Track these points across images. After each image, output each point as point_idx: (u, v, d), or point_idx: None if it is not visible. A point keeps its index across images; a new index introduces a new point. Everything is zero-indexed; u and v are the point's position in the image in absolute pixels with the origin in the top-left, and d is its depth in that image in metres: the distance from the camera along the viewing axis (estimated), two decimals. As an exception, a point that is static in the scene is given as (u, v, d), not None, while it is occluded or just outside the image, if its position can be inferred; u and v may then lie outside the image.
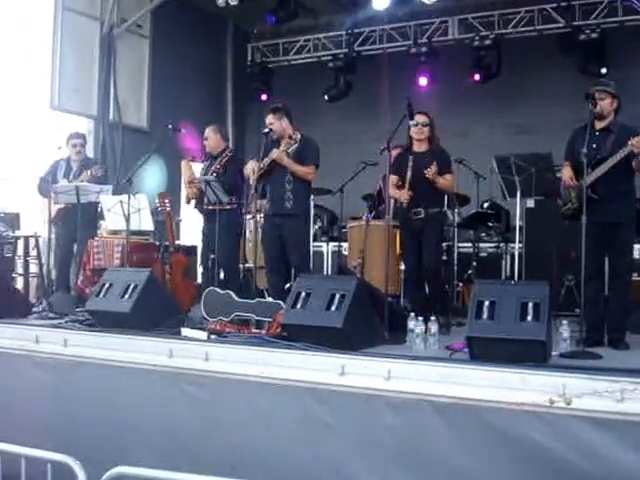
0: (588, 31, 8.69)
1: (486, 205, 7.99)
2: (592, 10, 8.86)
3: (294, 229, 5.64)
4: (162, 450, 4.24)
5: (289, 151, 5.62)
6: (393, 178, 5.56)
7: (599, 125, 4.79)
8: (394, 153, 6.35)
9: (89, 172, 6.38)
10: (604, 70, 8.51)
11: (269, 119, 5.68)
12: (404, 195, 5.41)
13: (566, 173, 4.92)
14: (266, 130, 5.64)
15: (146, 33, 9.39)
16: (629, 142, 4.48)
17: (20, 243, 7.45)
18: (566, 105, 8.36)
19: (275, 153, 5.54)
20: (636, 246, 6.29)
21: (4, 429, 4.23)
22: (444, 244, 6.38)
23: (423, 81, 9.66)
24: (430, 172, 5.35)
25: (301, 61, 10.99)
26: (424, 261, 5.42)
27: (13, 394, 4.85)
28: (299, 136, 5.68)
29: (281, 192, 5.62)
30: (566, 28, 8.97)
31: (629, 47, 8.66)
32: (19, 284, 7.38)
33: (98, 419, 4.52)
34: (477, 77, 9.34)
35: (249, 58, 11.40)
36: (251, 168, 5.61)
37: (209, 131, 6.39)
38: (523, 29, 9.34)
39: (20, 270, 7.50)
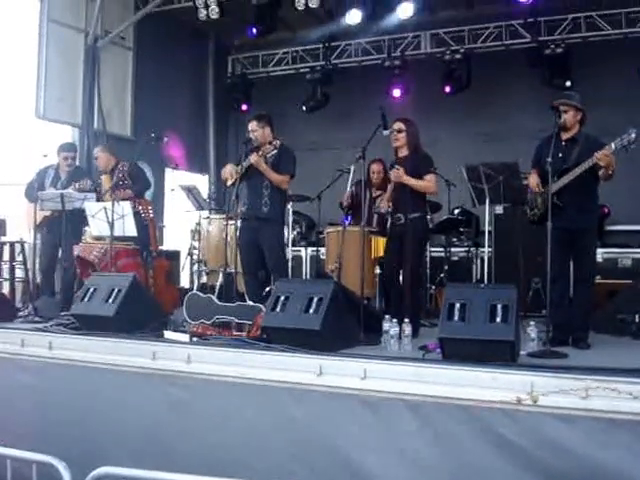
0: (553, 46, 9.00)
1: (457, 211, 8.20)
2: (557, 26, 9.19)
3: (270, 234, 5.71)
4: (144, 451, 4.31)
5: (267, 157, 5.69)
6: (388, 191, 5.65)
7: (565, 136, 4.98)
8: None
9: (77, 185, 6.42)
10: (569, 83, 8.76)
11: (252, 126, 5.74)
12: (383, 204, 5.53)
13: (533, 180, 5.12)
14: (250, 137, 5.71)
15: (129, 45, 9.52)
16: (594, 155, 4.65)
17: (6, 249, 7.48)
18: (532, 116, 8.64)
19: (253, 157, 5.61)
20: (599, 250, 6.53)
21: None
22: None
23: (397, 92, 9.90)
24: (393, 174, 5.38)
25: (280, 73, 11.17)
26: (403, 265, 5.38)
27: (-1, 396, 4.89)
28: (279, 143, 5.72)
29: (259, 197, 5.70)
30: (532, 43, 9.28)
31: (592, 61, 8.94)
32: (5, 289, 7.43)
33: (83, 421, 4.57)
34: (448, 89, 9.62)
35: (229, 70, 11.58)
36: (228, 171, 5.73)
37: (98, 151, 6.86)
38: (492, 44, 9.65)
39: (6, 275, 7.54)
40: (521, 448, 3.40)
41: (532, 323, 4.50)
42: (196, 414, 4.26)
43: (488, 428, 3.49)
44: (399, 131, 5.45)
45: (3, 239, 7.52)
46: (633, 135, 4.57)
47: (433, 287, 7.38)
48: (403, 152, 5.54)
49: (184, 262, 8.71)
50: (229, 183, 5.77)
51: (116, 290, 5.04)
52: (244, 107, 11.03)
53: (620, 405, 3.26)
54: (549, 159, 4.64)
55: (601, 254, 7.08)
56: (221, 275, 6.92)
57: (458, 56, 9.55)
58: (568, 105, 4.96)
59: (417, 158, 5.46)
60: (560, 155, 4.90)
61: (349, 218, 6.55)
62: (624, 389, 3.28)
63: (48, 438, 4.48)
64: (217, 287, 7.11)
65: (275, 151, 5.72)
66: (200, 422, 4.24)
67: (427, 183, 5.43)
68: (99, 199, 6.38)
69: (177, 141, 7.94)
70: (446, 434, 3.58)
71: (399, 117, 5.58)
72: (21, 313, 6.02)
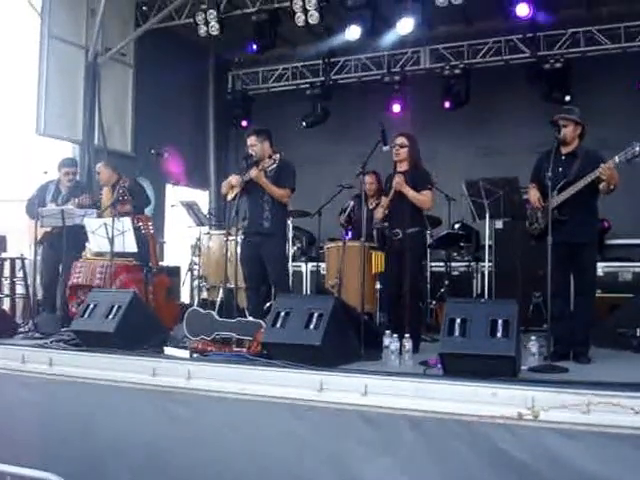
0: (552, 61, 9.05)
1: (457, 226, 8.21)
2: (556, 41, 9.24)
3: (272, 248, 5.69)
4: (144, 467, 4.29)
5: (267, 171, 5.69)
6: (385, 199, 5.64)
7: (565, 150, 4.99)
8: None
9: (77, 200, 6.45)
10: (568, 97, 8.79)
11: (251, 140, 5.74)
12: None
13: (533, 195, 5.12)
14: (250, 153, 5.70)
15: (130, 61, 9.57)
16: (598, 169, 4.67)
17: (7, 265, 7.49)
18: (531, 130, 8.68)
19: (254, 171, 5.61)
20: (599, 264, 6.54)
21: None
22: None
23: (396, 108, 9.96)
24: (394, 181, 5.39)
25: (280, 88, 11.24)
26: (403, 281, 5.35)
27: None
28: (278, 157, 5.72)
29: (260, 212, 5.69)
30: (531, 58, 9.34)
31: (591, 75, 8.99)
32: (6, 305, 7.43)
33: (83, 437, 4.55)
34: (447, 104, 9.66)
35: (229, 86, 11.65)
36: (235, 180, 5.71)
37: (100, 166, 6.84)
38: (491, 59, 9.71)
39: (6, 291, 7.54)
40: (522, 463, 3.39)
41: (533, 338, 4.50)
42: (196, 430, 4.24)
43: (489, 443, 3.47)
44: (402, 146, 5.48)
45: (4, 255, 7.53)
46: (637, 148, 4.58)
47: (434, 302, 7.37)
48: (403, 167, 5.55)
49: (184, 278, 8.71)
50: (229, 197, 5.76)
51: (116, 306, 5.04)
52: (244, 123, 11.08)
53: (622, 420, 3.26)
54: (549, 173, 4.65)
55: (602, 268, 7.07)
56: (221, 291, 6.93)
57: (457, 71, 9.60)
58: (567, 119, 4.97)
59: (416, 174, 5.48)
60: (560, 169, 4.91)
61: (349, 233, 6.56)
62: (626, 404, 3.27)
63: (49, 454, 4.47)
64: (217, 303, 7.13)
65: (275, 165, 5.71)
66: (200, 438, 4.22)
67: (423, 197, 5.45)
68: (99, 215, 6.40)
69: (177, 157, 7.95)
70: (447, 450, 3.57)
71: (402, 132, 5.60)
72: (21, 329, 6.02)
